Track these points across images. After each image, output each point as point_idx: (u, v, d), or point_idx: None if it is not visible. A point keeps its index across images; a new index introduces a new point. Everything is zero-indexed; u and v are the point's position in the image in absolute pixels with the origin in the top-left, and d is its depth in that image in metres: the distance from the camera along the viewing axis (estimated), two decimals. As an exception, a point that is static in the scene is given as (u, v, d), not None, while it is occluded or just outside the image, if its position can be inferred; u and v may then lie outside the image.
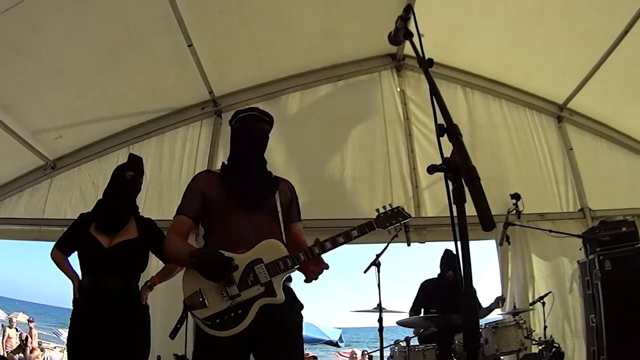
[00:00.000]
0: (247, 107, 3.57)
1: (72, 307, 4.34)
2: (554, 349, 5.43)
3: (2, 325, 16.52)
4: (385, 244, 5.44)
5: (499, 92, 7.63)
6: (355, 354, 14.88)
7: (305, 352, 14.96)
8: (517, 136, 7.59)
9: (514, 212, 6.65)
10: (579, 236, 5.77)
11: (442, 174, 1.71)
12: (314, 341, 18.72)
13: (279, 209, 3.28)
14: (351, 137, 7.30)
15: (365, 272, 5.35)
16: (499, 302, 6.31)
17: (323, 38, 6.91)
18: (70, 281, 4.41)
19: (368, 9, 6.53)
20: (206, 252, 3.01)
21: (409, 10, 2.29)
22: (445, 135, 1.78)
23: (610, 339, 5.18)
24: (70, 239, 4.54)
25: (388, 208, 3.52)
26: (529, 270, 6.80)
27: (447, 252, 6.54)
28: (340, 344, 20.26)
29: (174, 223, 3.24)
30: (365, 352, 13.24)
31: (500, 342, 5.13)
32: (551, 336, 5.69)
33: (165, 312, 5.98)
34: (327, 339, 19.37)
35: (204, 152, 7.23)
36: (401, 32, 2.31)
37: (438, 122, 1.81)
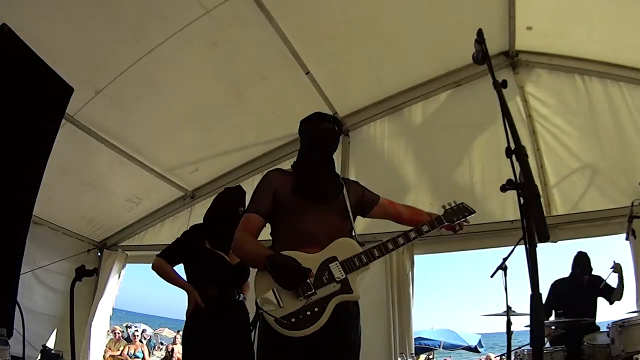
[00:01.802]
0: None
1: (186, 318, 4.60)
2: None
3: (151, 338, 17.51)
4: (512, 247, 5.40)
5: (616, 75, 7.21)
6: (490, 358, 14.84)
7: (445, 357, 15.17)
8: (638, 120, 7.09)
9: (645, 203, 6.35)
10: None
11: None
12: (453, 347, 18.63)
13: (349, 207, 3.28)
14: (476, 141, 7.27)
15: (491, 276, 5.19)
16: (618, 268, 6.09)
17: (434, 47, 6.95)
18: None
19: (471, 12, 6.52)
20: (283, 259, 2.89)
21: (480, 33, 2.39)
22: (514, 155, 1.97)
23: None
24: (179, 251, 4.79)
25: (453, 204, 3.48)
26: None
27: (581, 254, 6.45)
28: (480, 349, 20.06)
29: (244, 221, 3.14)
30: (498, 357, 13.20)
31: (627, 342, 4.88)
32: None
33: None
34: (466, 345, 19.23)
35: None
36: (479, 54, 2.39)
37: (507, 145, 1.99)
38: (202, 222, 5.07)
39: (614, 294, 6.12)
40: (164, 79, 6.23)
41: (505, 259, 5.15)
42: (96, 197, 7.58)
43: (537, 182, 6.87)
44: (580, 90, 7.23)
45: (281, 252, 2.94)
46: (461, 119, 7.35)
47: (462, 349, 19.52)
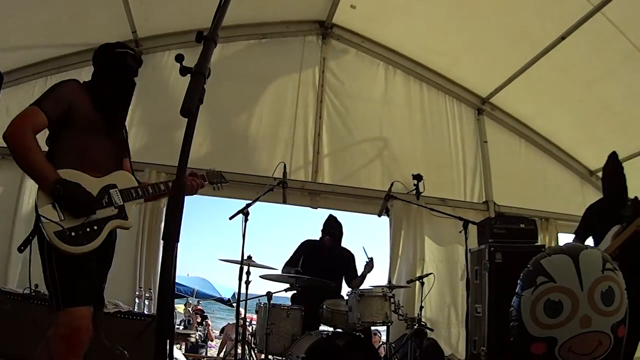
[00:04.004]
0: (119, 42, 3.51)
1: None
2: (416, 326, 5.40)
3: None
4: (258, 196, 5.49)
5: (422, 75, 7.68)
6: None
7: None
8: (432, 121, 7.66)
9: (414, 192, 6.66)
10: (459, 218, 5.52)
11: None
12: (206, 296, 18.31)
13: (128, 144, 3.49)
14: (263, 96, 7.29)
15: (230, 218, 5.21)
16: (369, 265, 6.12)
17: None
18: None
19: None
20: (75, 189, 2.86)
21: None
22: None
23: (491, 330, 5.21)
24: None
25: (215, 170, 3.90)
26: (420, 251, 6.89)
27: (330, 218, 6.53)
28: (233, 303, 19.47)
29: (30, 114, 2.92)
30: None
31: (364, 312, 5.02)
32: (419, 314, 5.70)
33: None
34: (219, 296, 18.95)
35: (117, 90, 7.12)
36: None
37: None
38: None
39: (353, 282, 6.19)
40: None
41: (248, 205, 5.21)
42: None
43: (311, 148, 7.08)
44: (380, 78, 7.56)
45: (65, 169, 2.92)
46: (255, 71, 7.33)
47: (215, 299, 19.32)
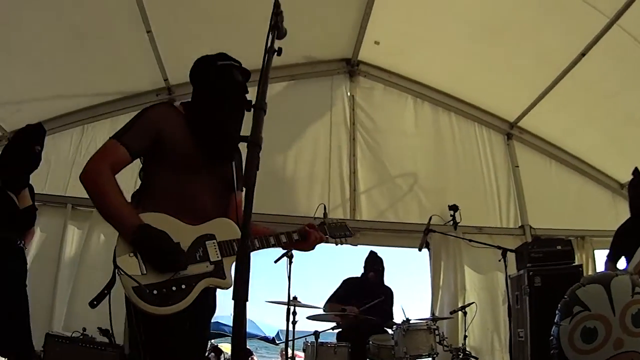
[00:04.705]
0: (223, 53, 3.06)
1: None
2: (461, 355, 5.50)
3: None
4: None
5: (449, 105, 7.76)
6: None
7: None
8: (464, 150, 7.71)
9: (451, 223, 6.74)
10: (497, 247, 5.73)
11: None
12: (250, 336, 18.19)
13: (235, 181, 2.86)
14: (296, 137, 7.40)
15: (276, 261, 5.18)
16: (390, 324, 6.16)
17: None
18: None
19: (328, 14, 6.65)
20: (157, 239, 2.41)
21: (277, 5, 2.23)
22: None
23: (534, 353, 5.24)
24: None
25: (336, 221, 3.31)
26: (461, 281, 6.93)
27: (372, 254, 6.61)
28: (277, 341, 19.06)
29: (109, 149, 2.59)
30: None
31: (410, 345, 5.11)
32: (463, 344, 5.79)
33: (104, 284, 6.33)
34: (263, 335, 18.83)
35: (156, 138, 7.24)
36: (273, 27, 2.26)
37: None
38: None
39: (388, 323, 6.25)
40: (12, 6, 5.84)
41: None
42: None
43: (347, 186, 7.15)
44: (409, 111, 7.63)
45: (153, 213, 2.49)
46: (287, 112, 7.36)
47: (260, 338, 19.18)
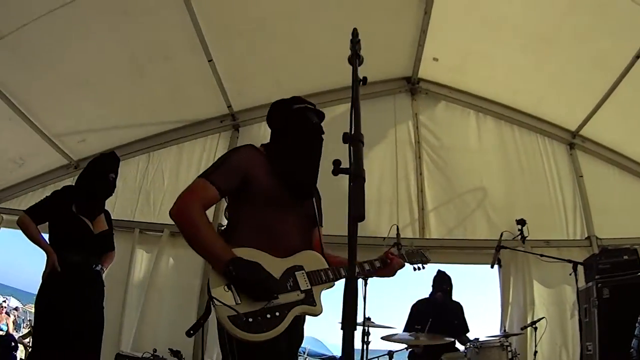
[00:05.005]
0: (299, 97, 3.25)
1: (42, 280, 4.53)
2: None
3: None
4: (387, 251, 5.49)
5: (512, 118, 7.66)
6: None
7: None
8: (528, 162, 7.60)
9: (519, 237, 6.68)
10: (568, 261, 5.67)
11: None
12: (317, 355, 18.27)
13: (317, 216, 3.03)
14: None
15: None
16: (464, 339, 6.37)
17: (338, 59, 6.94)
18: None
19: (385, 33, 6.66)
20: (250, 271, 2.54)
21: (355, 34, 2.34)
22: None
23: None
24: (46, 210, 4.75)
25: (414, 248, 3.59)
26: (530, 296, 6.83)
27: (440, 273, 6.64)
28: None
29: (199, 187, 2.72)
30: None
31: None
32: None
33: (173, 306, 6.73)
34: (331, 354, 18.86)
35: (220, 163, 7.36)
36: (354, 56, 2.33)
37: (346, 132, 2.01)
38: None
39: (463, 337, 6.27)
40: (70, 39, 5.99)
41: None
42: (-23, 151, 7.21)
43: (416, 205, 7.16)
44: (472, 127, 7.56)
45: (244, 247, 2.63)
46: (350, 133, 7.33)
47: (326, 358, 19.23)
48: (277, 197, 2.82)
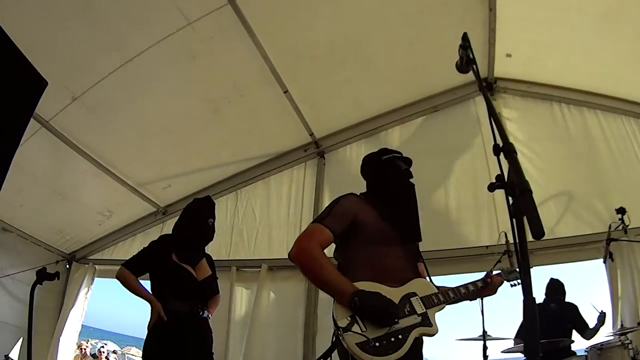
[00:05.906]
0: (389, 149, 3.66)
1: (147, 331, 4.54)
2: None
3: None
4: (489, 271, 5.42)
5: (593, 103, 7.35)
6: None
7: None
8: (617, 147, 7.20)
9: (620, 227, 6.42)
10: None
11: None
12: None
13: (419, 252, 3.40)
14: (453, 166, 7.30)
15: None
16: (602, 318, 6.13)
17: (412, 72, 6.99)
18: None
19: (451, 38, 6.54)
20: (374, 301, 2.81)
21: (465, 38, 2.44)
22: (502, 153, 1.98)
23: None
24: (144, 262, 4.76)
25: (510, 268, 3.77)
26: (639, 286, 6.40)
27: (552, 282, 6.50)
28: None
29: (316, 231, 3.04)
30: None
31: None
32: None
33: (276, 339, 6.84)
34: None
35: (309, 193, 7.50)
36: (463, 60, 2.44)
37: (495, 142, 2.02)
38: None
39: (587, 332, 6.14)
40: (142, 89, 6.18)
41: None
42: (67, 208, 7.42)
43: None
44: (557, 117, 7.31)
45: (363, 283, 2.90)
46: (437, 143, 7.36)
47: None
48: (389, 238, 3.13)
